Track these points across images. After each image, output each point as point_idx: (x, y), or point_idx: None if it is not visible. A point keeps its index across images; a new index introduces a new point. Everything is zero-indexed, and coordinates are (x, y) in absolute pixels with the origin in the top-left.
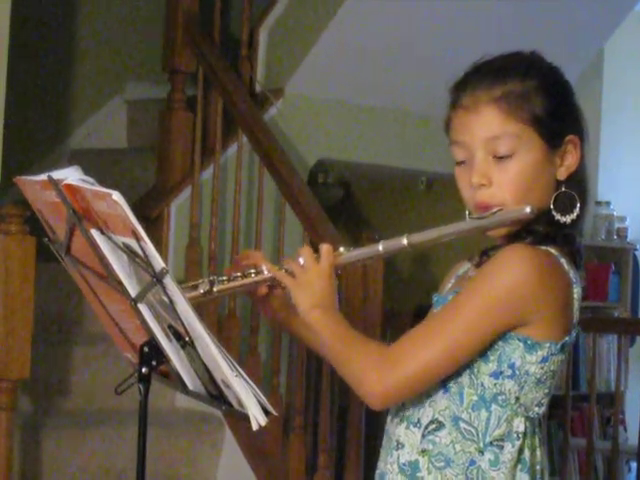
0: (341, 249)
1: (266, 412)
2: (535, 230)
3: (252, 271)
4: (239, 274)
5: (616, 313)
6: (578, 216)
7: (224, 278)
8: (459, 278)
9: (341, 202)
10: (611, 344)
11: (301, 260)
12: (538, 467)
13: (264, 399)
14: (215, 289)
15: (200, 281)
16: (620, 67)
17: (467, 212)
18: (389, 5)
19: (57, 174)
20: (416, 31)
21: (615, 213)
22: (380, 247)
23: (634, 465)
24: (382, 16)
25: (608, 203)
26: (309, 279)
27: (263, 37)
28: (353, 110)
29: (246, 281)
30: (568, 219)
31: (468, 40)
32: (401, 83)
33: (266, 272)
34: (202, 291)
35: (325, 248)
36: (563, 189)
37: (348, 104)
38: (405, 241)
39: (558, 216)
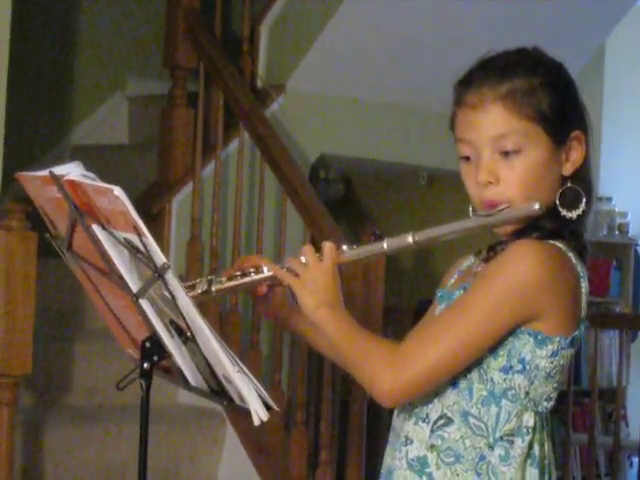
0: (344, 247)
1: (268, 407)
2: (542, 226)
3: (252, 270)
4: (238, 273)
5: (617, 308)
6: (583, 211)
7: (223, 278)
8: (463, 273)
9: (342, 198)
10: (613, 339)
11: (303, 259)
12: (546, 461)
13: (265, 394)
14: (213, 288)
15: (198, 280)
16: (621, 62)
17: (470, 208)
18: (390, 1)
19: (59, 170)
20: (417, 26)
21: (616, 209)
22: (385, 245)
23: (636, 460)
24: (383, 12)
25: (609, 199)
26: (313, 277)
27: (264, 33)
28: (354, 106)
29: (245, 280)
30: (574, 214)
31: (469, 35)
32: (402, 79)
33: (266, 271)
34: (200, 291)
35: (328, 246)
36: (569, 185)
37: (349, 100)
38: (410, 239)
39: (564, 212)
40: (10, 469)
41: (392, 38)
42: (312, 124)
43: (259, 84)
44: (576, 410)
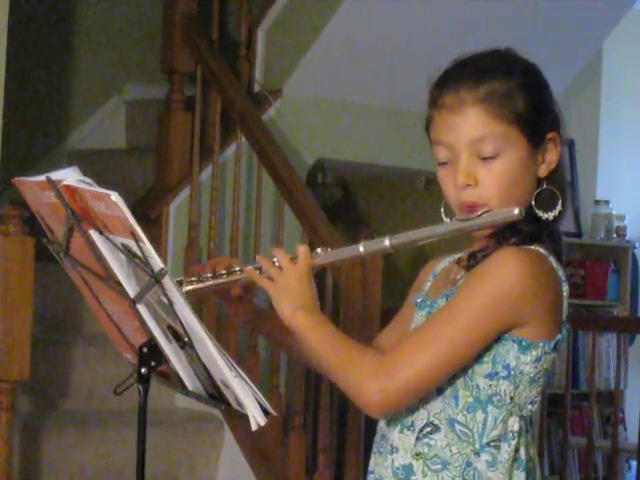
0: (318, 250)
1: (266, 412)
2: (519, 229)
3: (223, 272)
4: (210, 275)
5: (615, 312)
6: (560, 212)
7: (193, 279)
8: (438, 278)
9: (340, 202)
10: (610, 343)
11: (275, 261)
12: (531, 464)
13: (263, 399)
14: (184, 289)
15: None
16: (619, 65)
17: (442, 209)
18: (387, 5)
19: (56, 175)
20: (414, 31)
21: (614, 212)
22: (361, 248)
23: (634, 464)
24: (381, 16)
25: (607, 202)
26: (288, 282)
27: (261, 37)
28: (352, 110)
29: (218, 281)
30: (550, 216)
31: (466, 38)
32: (399, 83)
33: (238, 273)
34: None
35: (302, 249)
36: (544, 186)
37: (347, 104)
38: (387, 242)
39: (540, 213)
40: (8, 474)
41: (389, 42)
42: (309, 128)
43: (256, 88)
44: (574, 413)
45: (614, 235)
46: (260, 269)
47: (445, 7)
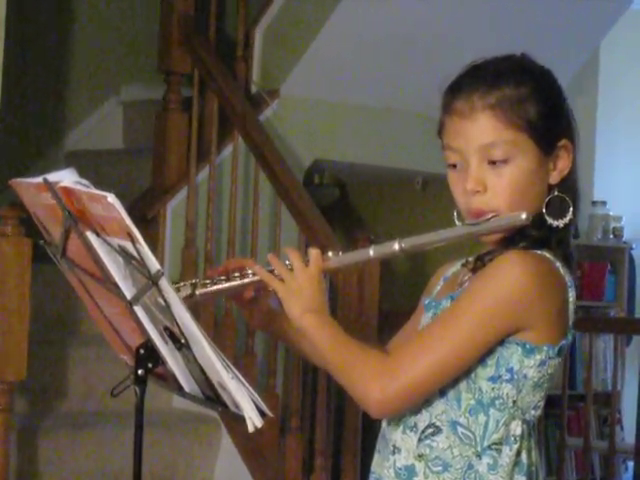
0: (329, 254)
1: (262, 413)
2: (528, 235)
3: (236, 274)
4: (223, 277)
5: (612, 312)
6: (571, 220)
7: (207, 281)
8: (448, 281)
9: (337, 202)
10: (607, 344)
11: (288, 263)
12: (533, 468)
13: (260, 400)
14: (197, 292)
15: (182, 284)
16: (616, 65)
17: (455, 214)
18: (385, 5)
19: (53, 176)
20: (412, 31)
21: (611, 213)
22: (371, 252)
23: (631, 464)
24: (378, 16)
25: (604, 203)
26: (299, 284)
27: (259, 38)
28: (349, 111)
29: (231, 284)
30: (561, 223)
31: (465, 39)
32: (397, 84)
33: (251, 275)
34: (184, 295)
35: (314, 253)
36: (556, 193)
37: (344, 105)
38: (397, 246)
39: (551, 220)
40: (5, 475)
41: (386, 43)
42: (306, 129)
43: (253, 89)
44: (571, 414)
45: (611, 236)
46: (272, 271)
47: (442, 8)
